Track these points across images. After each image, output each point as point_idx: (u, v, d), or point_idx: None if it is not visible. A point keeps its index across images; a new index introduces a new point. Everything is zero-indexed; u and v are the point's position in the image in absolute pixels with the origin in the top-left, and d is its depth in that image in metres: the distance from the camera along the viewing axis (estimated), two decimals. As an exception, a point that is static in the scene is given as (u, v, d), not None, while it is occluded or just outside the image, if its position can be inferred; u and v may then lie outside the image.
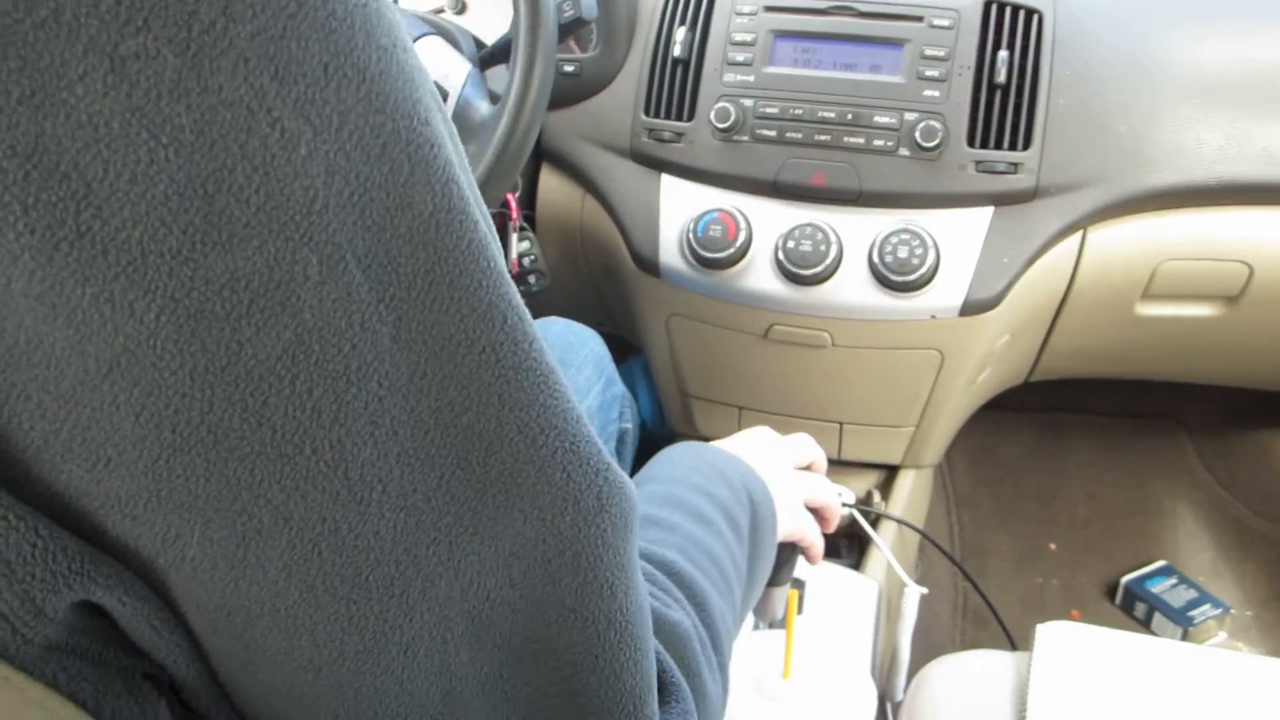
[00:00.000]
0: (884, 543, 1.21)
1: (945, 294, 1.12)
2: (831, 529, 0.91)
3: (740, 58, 1.16)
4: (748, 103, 1.15)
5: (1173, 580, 1.67)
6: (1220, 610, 1.62)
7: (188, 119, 0.28)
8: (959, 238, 1.12)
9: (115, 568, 0.34)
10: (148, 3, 0.27)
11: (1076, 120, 1.13)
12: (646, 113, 1.21)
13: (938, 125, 1.10)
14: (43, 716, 0.34)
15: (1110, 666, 0.89)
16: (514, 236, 1.27)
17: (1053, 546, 1.75)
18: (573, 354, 1.16)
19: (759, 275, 1.16)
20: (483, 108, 1.08)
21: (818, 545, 0.87)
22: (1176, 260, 1.19)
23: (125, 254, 0.29)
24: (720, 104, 1.15)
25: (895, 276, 1.11)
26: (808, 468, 0.91)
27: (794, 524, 0.83)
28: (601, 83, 1.24)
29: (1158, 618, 1.62)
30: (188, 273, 0.30)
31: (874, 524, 1.25)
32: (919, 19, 1.13)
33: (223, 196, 0.29)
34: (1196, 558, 1.74)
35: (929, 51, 1.12)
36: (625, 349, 1.50)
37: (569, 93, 1.25)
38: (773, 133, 1.15)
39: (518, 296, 0.38)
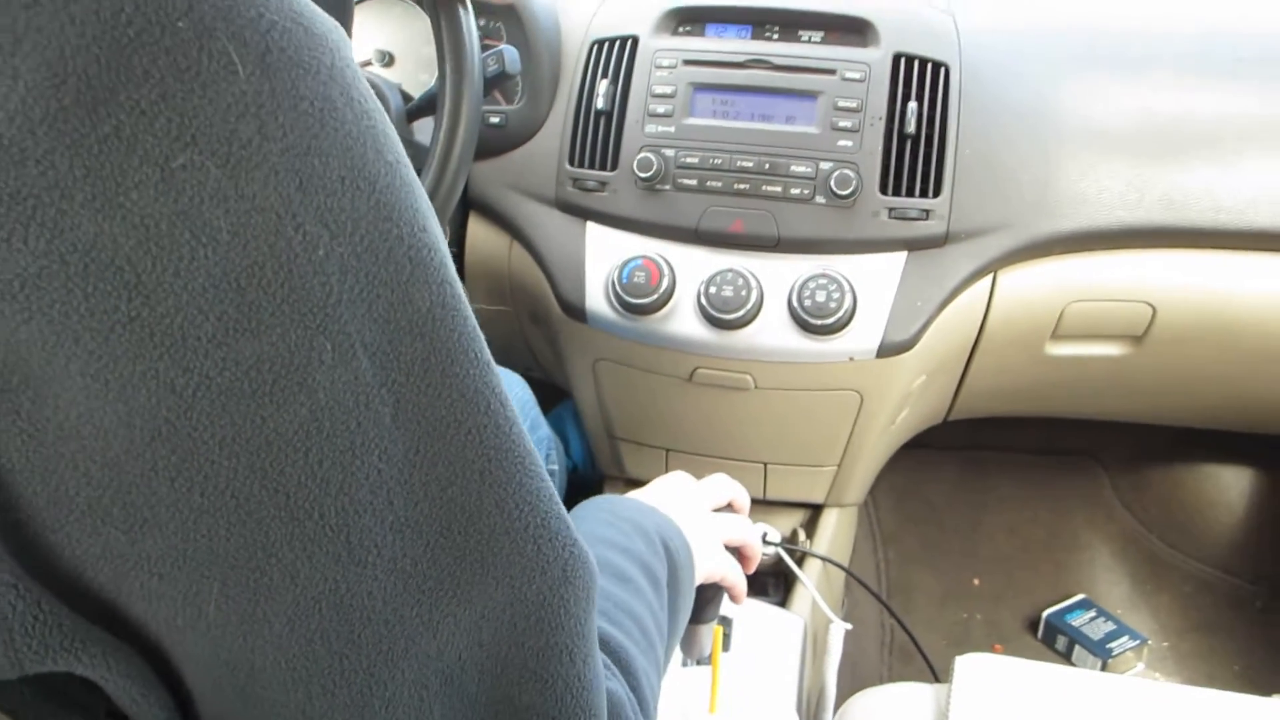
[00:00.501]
0: (809, 580, 1.24)
1: (862, 336, 1.16)
2: (753, 568, 0.93)
3: (661, 109, 1.20)
4: (669, 153, 1.18)
5: (1092, 613, 1.72)
6: (1138, 642, 1.66)
7: (225, 222, 0.33)
8: (874, 282, 1.16)
9: (106, 645, 0.37)
10: (195, 121, 0.32)
11: (983, 168, 1.17)
12: (571, 163, 1.23)
13: (851, 174, 1.14)
14: None
15: (1028, 696, 0.92)
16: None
17: (976, 582, 1.79)
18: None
19: (683, 320, 1.19)
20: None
21: (740, 584, 0.89)
22: (1083, 301, 1.24)
23: (169, 337, 0.33)
24: (642, 154, 1.18)
25: (814, 320, 1.14)
26: (727, 507, 0.94)
27: (713, 565, 0.85)
28: (527, 134, 1.27)
29: (1078, 650, 1.66)
30: (221, 354, 0.33)
31: (799, 562, 1.28)
32: (832, 72, 1.17)
33: (253, 289, 0.34)
34: (1114, 591, 1.78)
35: (842, 103, 1.16)
36: (555, 394, 1.52)
37: (495, 143, 1.28)
38: (694, 182, 1.18)
39: (501, 384, 0.42)
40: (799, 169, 1.16)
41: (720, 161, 1.18)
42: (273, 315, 0.34)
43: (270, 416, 0.35)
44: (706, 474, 0.98)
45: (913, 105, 1.15)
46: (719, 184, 1.18)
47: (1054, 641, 1.70)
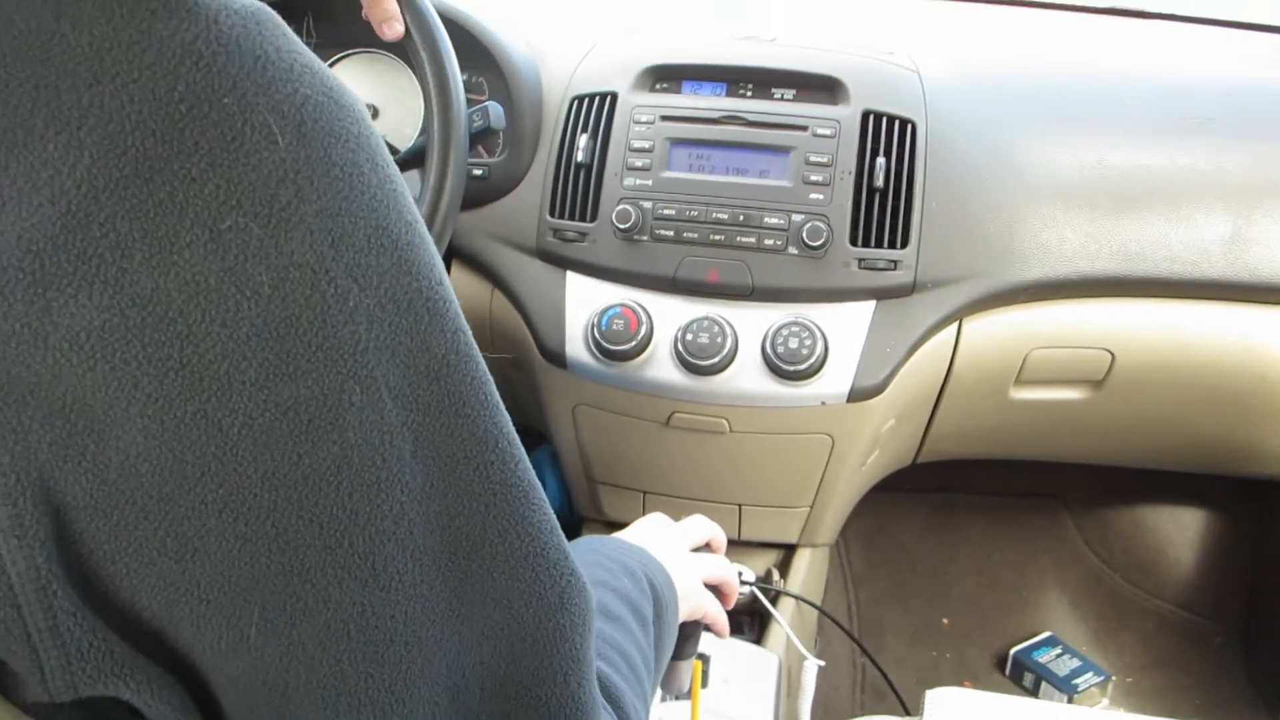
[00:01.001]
0: (783, 618, 1.27)
1: (833, 382, 1.20)
2: (731, 604, 0.96)
3: (639, 163, 1.24)
4: (647, 205, 1.23)
5: (1057, 650, 1.75)
6: (1102, 678, 1.70)
7: (266, 277, 0.36)
8: (845, 329, 1.20)
9: (151, 673, 0.40)
10: (240, 187, 0.35)
11: (949, 220, 1.22)
12: (552, 214, 1.27)
13: (822, 226, 1.18)
14: None
15: (994, 729, 0.96)
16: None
17: (945, 621, 1.83)
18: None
19: (660, 366, 1.23)
20: None
21: (721, 620, 0.92)
22: (1045, 348, 1.28)
23: (216, 381, 0.36)
24: (621, 206, 1.22)
25: (787, 366, 1.18)
26: (705, 546, 0.97)
27: (695, 602, 0.88)
28: (509, 185, 1.31)
29: (1045, 686, 1.70)
30: (263, 396, 0.37)
31: (774, 601, 1.31)
32: (803, 128, 1.22)
33: (291, 338, 0.37)
34: (1079, 628, 1.82)
35: (813, 158, 1.21)
36: (534, 438, 1.55)
37: (478, 195, 1.31)
38: (671, 233, 1.22)
39: (509, 424, 0.46)
40: (772, 221, 1.20)
41: (696, 213, 1.22)
42: (308, 361, 0.38)
43: (306, 453, 0.38)
44: (683, 515, 1.02)
45: (881, 160, 1.20)
46: (695, 235, 1.22)
47: (1021, 678, 1.74)
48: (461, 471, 0.44)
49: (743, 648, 1.23)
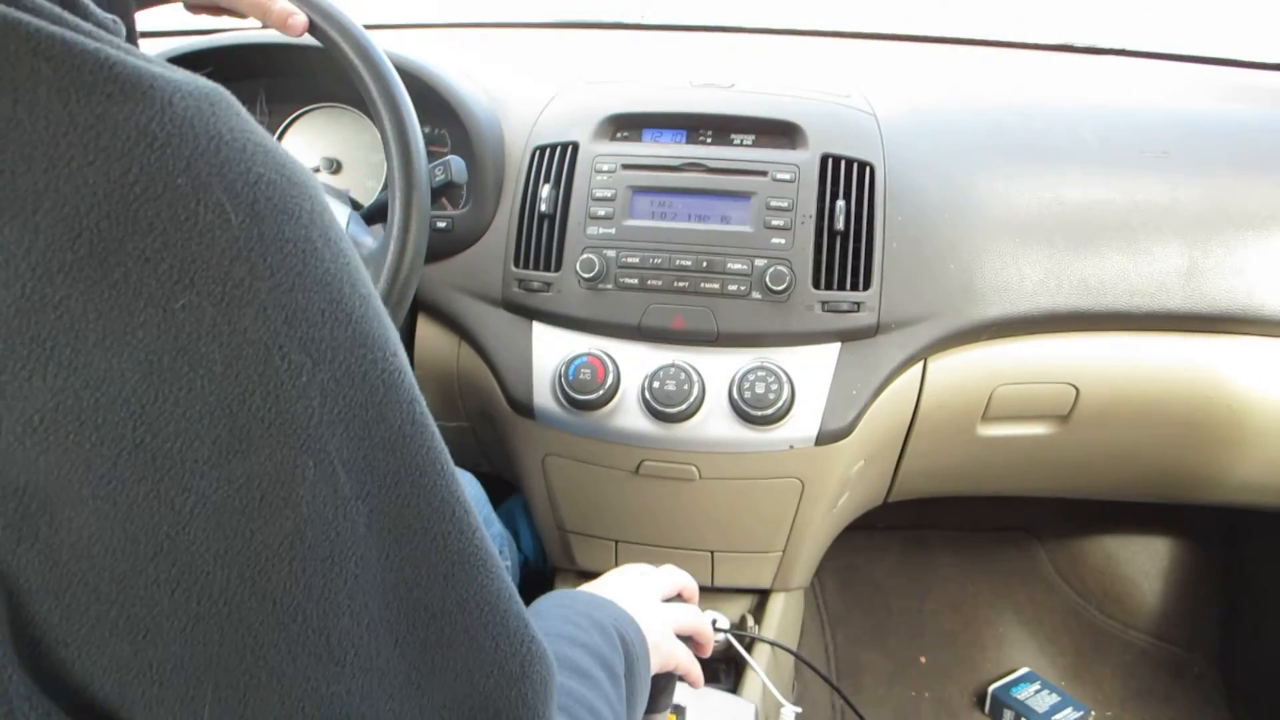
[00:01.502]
0: (758, 665, 1.27)
1: (801, 425, 1.20)
2: (706, 653, 0.96)
3: (602, 212, 1.24)
4: (610, 253, 1.23)
5: (1036, 686, 1.75)
6: (1081, 713, 1.70)
7: (220, 354, 0.36)
8: (811, 373, 1.21)
9: None
10: (194, 266, 0.36)
11: (910, 261, 1.23)
12: (516, 264, 1.27)
13: (785, 270, 1.19)
14: None
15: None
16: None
17: (923, 660, 1.82)
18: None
19: (628, 414, 1.23)
20: (368, 242, 1.14)
21: (695, 670, 0.92)
22: (1010, 384, 1.29)
23: (169, 459, 0.36)
24: (585, 255, 1.23)
25: (754, 411, 1.18)
26: (677, 596, 0.97)
27: (667, 652, 0.88)
28: (473, 237, 1.31)
29: (1024, 723, 1.69)
30: (216, 474, 0.37)
31: (749, 647, 1.30)
32: (763, 173, 1.23)
33: (244, 415, 0.37)
34: (1057, 663, 1.82)
35: (774, 203, 1.22)
36: (505, 488, 1.55)
37: (443, 247, 1.31)
38: (635, 281, 1.23)
39: (464, 492, 0.46)
40: (735, 266, 1.21)
41: (660, 261, 1.22)
42: (261, 437, 0.38)
43: (259, 529, 0.38)
44: (656, 564, 1.02)
45: (841, 203, 1.21)
46: (659, 282, 1.22)
47: (1001, 716, 1.73)
48: (419, 542, 0.44)
49: (718, 697, 1.22)
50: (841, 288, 1.20)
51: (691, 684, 0.93)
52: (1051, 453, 1.40)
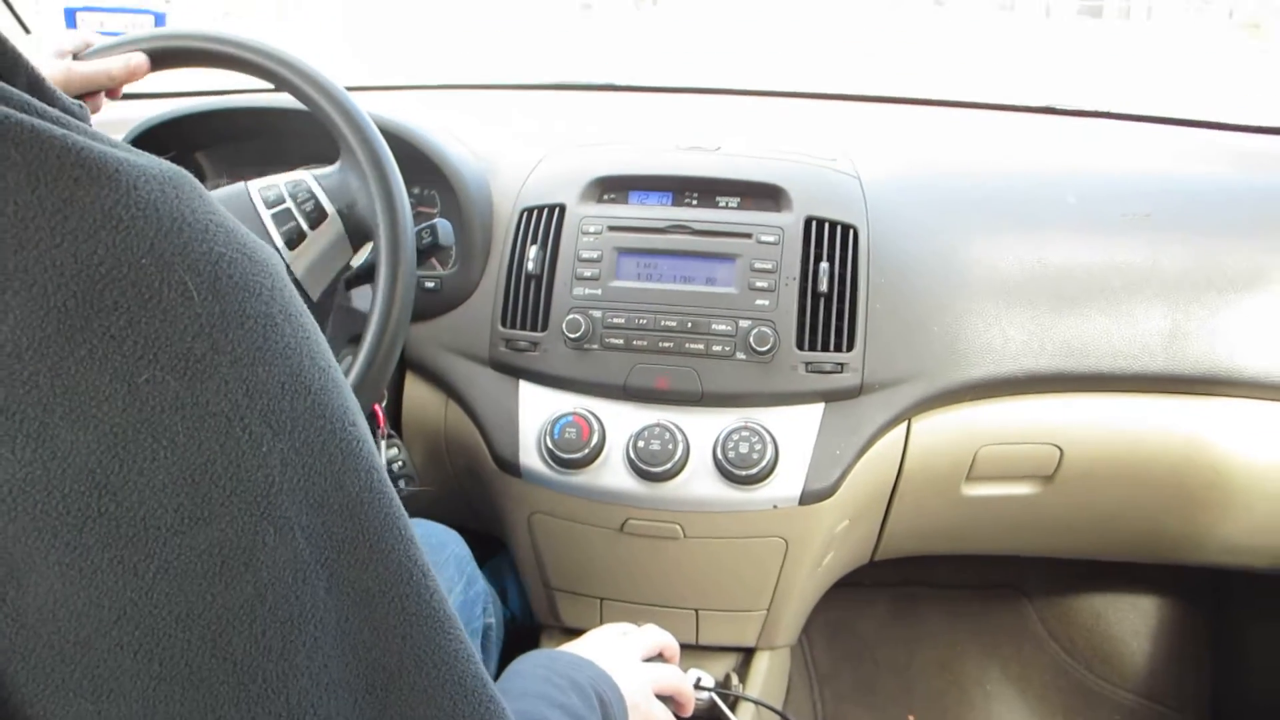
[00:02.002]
0: (743, 724, 1.27)
1: (785, 485, 1.21)
2: (687, 713, 0.97)
3: (588, 273, 1.26)
4: (596, 314, 1.24)
5: (1024, 745, 1.74)
6: (1070, 772, 1.69)
7: (182, 426, 0.38)
8: (794, 433, 1.21)
9: None
10: (157, 342, 0.37)
11: (894, 322, 1.24)
12: (503, 324, 1.29)
13: (769, 331, 1.20)
14: None
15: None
16: (383, 444, 1.32)
17: (911, 718, 1.81)
18: (435, 555, 1.21)
19: (613, 473, 1.23)
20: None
21: None
22: (994, 445, 1.30)
23: (132, 528, 0.37)
24: (571, 315, 1.24)
25: (738, 470, 1.19)
26: (659, 656, 0.97)
27: (645, 712, 0.88)
28: (461, 297, 1.32)
29: (1012, 783, 1.69)
30: (178, 541, 0.38)
31: (733, 706, 1.30)
32: (748, 235, 1.24)
33: (206, 484, 0.38)
34: (1045, 722, 1.82)
35: (758, 265, 1.23)
36: (492, 545, 1.55)
37: (430, 307, 1.33)
38: (620, 341, 1.24)
39: (423, 556, 0.47)
40: (720, 327, 1.22)
41: (645, 321, 1.23)
42: (223, 505, 0.39)
43: (220, 594, 0.39)
44: (640, 622, 1.02)
45: (824, 265, 1.22)
46: (644, 343, 1.23)
47: (989, 775, 1.73)
48: (377, 604, 0.45)
49: (702, 757, 1.22)
50: (825, 349, 1.22)
51: None
52: (1037, 513, 1.40)
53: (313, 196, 1.10)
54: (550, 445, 1.23)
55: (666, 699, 0.95)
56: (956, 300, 1.26)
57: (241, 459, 0.39)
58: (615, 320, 1.24)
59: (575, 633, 1.03)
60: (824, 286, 1.21)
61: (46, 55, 1.00)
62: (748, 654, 1.44)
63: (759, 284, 1.22)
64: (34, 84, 0.41)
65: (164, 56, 1.10)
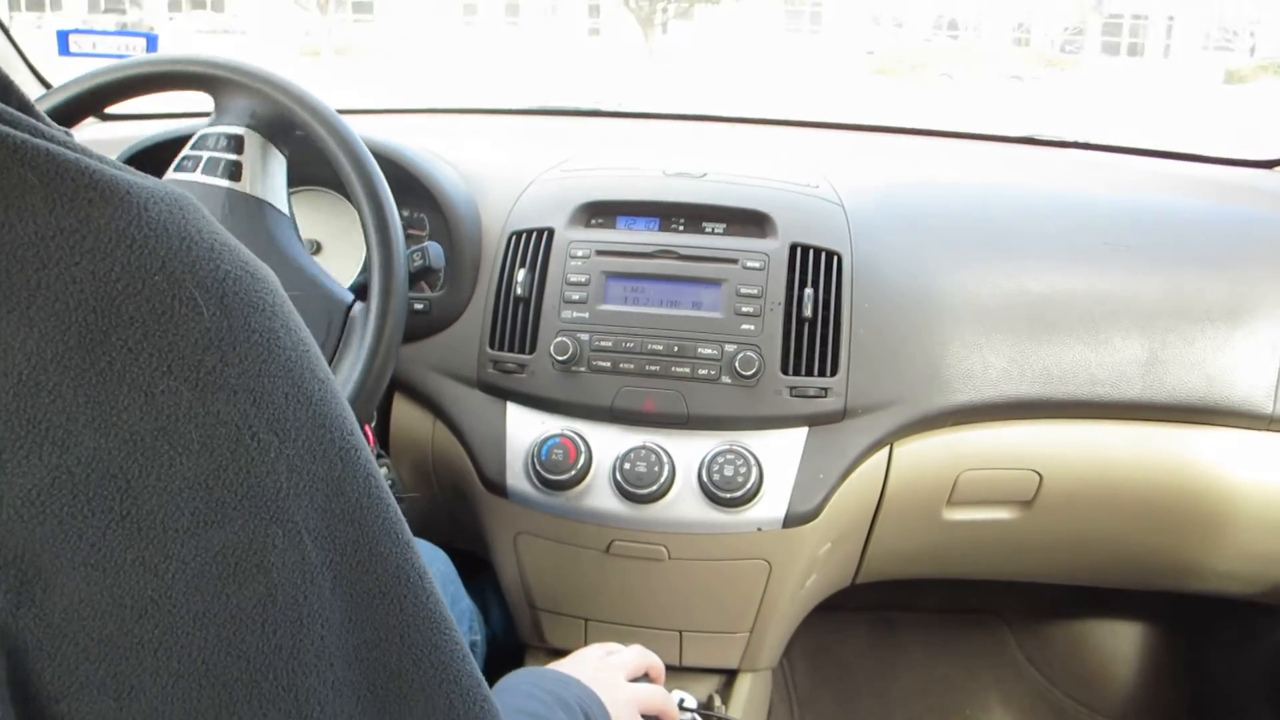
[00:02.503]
0: (725, 745, 1.27)
1: (769, 508, 1.22)
2: (671, 734, 0.97)
3: (576, 296, 1.27)
4: (584, 337, 1.26)
5: (1003, 769, 1.76)
6: (1048, 797, 1.70)
7: (196, 434, 0.40)
8: (779, 456, 1.23)
9: None
10: (171, 354, 0.39)
11: (877, 348, 1.26)
12: (491, 346, 1.30)
13: (754, 356, 1.21)
14: None
15: None
16: (372, 463, 1.33)
17: (891, 742, 1.83)
18: (420, 574, 1.22)
19: (599, 495, 1.24)
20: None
21: None
22: (975, 470, 1.32)
23: (153, 529, 0.39)
24: (559, 338, 1.25)
25: (723, 493, 1.20)
26: (644, 676, 0.98)
27: None
28: (449, 319, 1.34)
29: (991, 807, 1.70)
30: (195, 542, 0.40)
31: (715, 727, 1.31)
32: (734, 261, 1.26)
33: (219, 488, 0.40)
34: (1024, 746, 1.83)
35: (743, 290, 1.25)
36: (477, 564, 1.55)
37: (419, 328, 1.34)
38: (607, 364, 1.25)
39: (420, 560, 0.50)
40: (706, 351, 1.23)
41: (632, 345, 1.25)
42: (235, 508, 0.41)
43: (234, 593, 0.41)
44: (625, 642, 1.03)
45: (809, 291, 1.24)
46: (631, 366, 1.25)
47: (968, 800, 1.74)
48: (377, 606, 0.47)
49: (684, 777, 1.23)
50: (809, 373, 1.23)
51: None
52: (1017, 537, 1.42)
53: (221, 135, 1.11)
54: (537, 466, 1.24)
55: (651, 718, 0.96)
56: (938, 327, 1.28)
57: (251, 464, 0.41)
58: (603, 343, 1.25)
59: (560, 653, 1.04)
60: (808, 312, 1.23)
61: None
62: (730, 676, 1.45)
63: (744, 309, 1.24)
64: (25, 107, 0.43)
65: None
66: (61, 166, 0.39)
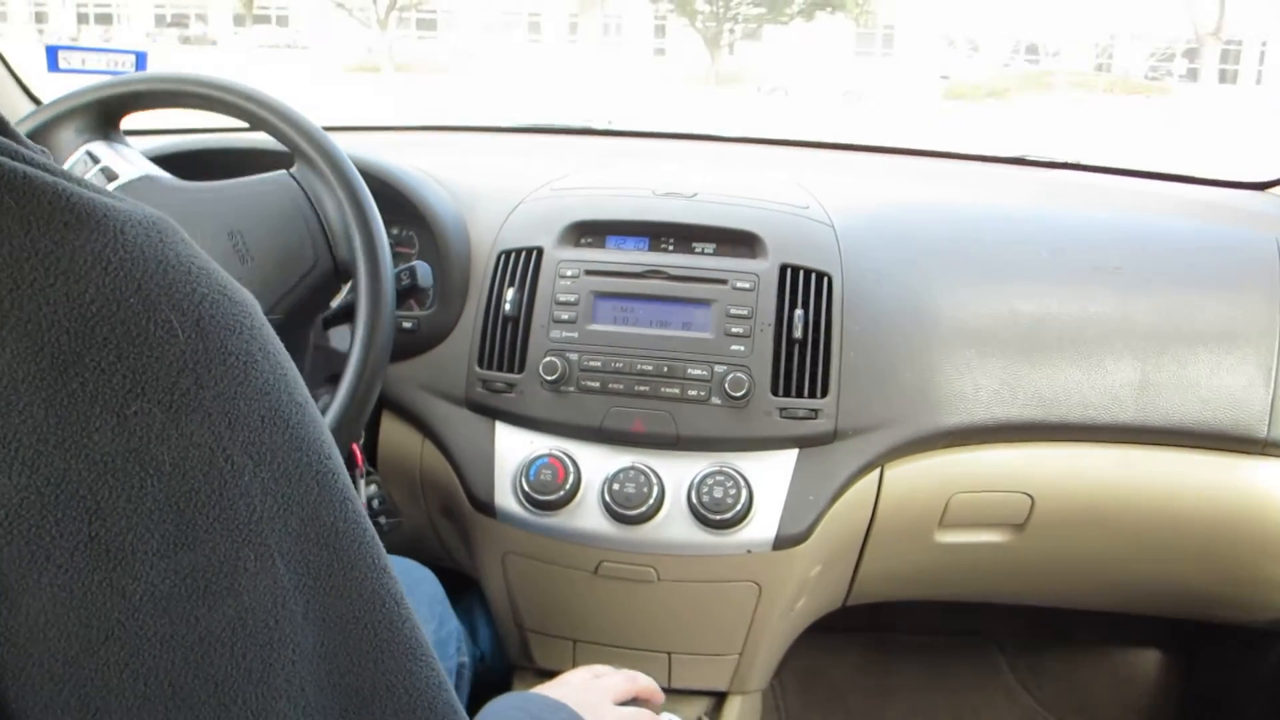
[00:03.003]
0: (714, 769, 1.26)
1: (759, 530, 1.21)
2: (660, 758, 0.96)
3: (565, 316, 1.26)
4: (573, 356, 1.25)
5: (995, 794, 1.74)
6: (1040, 822, 1.69)
7: (168, 456, 0.39)
8: (769, 477, 1.22)
9: None
10: (144, 376, 0.39)
11: (867, 369, 1.25)
12: (480, 365, 1.29)
13: (744, 377, 1.21)
14: None
15: None
16: (362, 482, 1.32)
17: (882, 766, 1.81)
18: (408, 593, 1.21)
19: (588, 515, 1.24)
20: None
21: None
22: (966, 493, 1.31)
23: (121, 551, 0.39)
24: (548, 358, 1.24)
25: (712, 515, 1.20)
26: (633, 700, 0.97)
27: None
28: (438, 337, 1.33)
29: (983, 832, 1.68)
30: (164, 565, 0.39)
31: (705, 751, 1.30)
32: (723, 281, 1.26)
33: (190, 510, 0.40)
34: (1016, 771, 1.81)
35: (733, 310, 1.24)
36: (465, 583, 1.54)
37: (408, 347, 1.33)
38: (596, 384, 1.24)
39: (396, 585, 0.49)
40: (695, 372, 1.23)
41: (621, 365, 1.24)
42: (206, 531, 0.41)
43: (203, 616, 0.41)
44: (614, 663, 1.02)
45: (799, 312, 1.23)
46: (620, 386, 1.24)
47: (960, 824, 1.72)
48: (351, 630, 0.47)
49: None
50: (799, 395, 1.22)
51: None
52: (1009, 560, 1.41)
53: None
54: (525, 486, 1.23)
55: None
56: (929, 348, 1.28)
57: (224, 487, 0.41)
58: (592, 363, 1.25)
59: (548, 674, 1.03)
60: (798, 333, 1.22)
61: None
62: (720, 698, 1.44)
63: (734, 330, 1.24)
64: (1, 130, 0.43)
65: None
66: (38, 190, 0.39)
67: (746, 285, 1.25)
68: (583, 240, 1.33)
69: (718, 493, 1.20)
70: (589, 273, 1.28)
